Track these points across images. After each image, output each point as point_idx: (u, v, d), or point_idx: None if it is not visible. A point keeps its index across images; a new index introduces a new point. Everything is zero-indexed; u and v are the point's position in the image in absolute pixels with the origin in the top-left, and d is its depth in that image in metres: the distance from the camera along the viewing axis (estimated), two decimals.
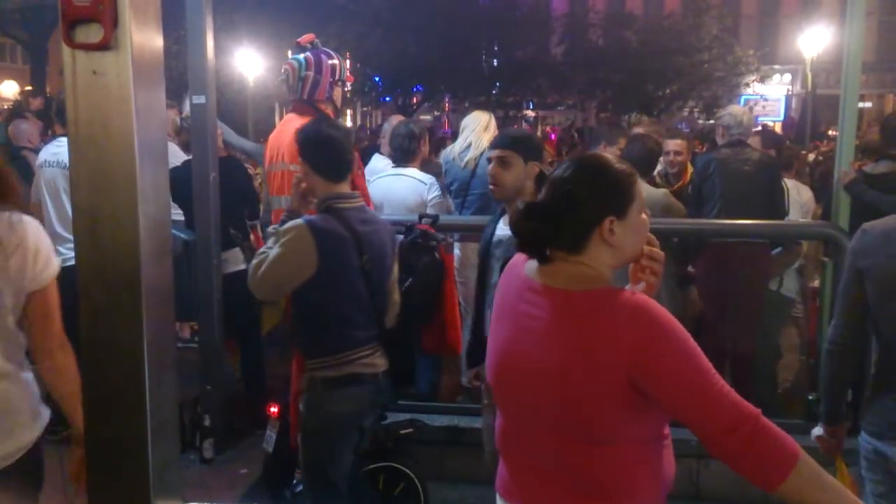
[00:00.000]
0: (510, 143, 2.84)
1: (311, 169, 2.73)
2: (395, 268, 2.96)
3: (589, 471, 1.63)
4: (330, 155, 2.71)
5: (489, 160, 2.92)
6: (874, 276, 2.33)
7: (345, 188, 2.77)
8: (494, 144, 2.91)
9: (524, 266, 1.76)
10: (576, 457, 1.64)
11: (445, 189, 5.11)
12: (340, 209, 2.71)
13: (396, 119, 5.31)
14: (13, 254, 1.93)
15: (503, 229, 2.92)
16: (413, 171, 4.43)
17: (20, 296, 1.98)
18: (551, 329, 1.62)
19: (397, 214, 3.95)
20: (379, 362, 2.80)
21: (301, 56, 3.30)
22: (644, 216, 1.70)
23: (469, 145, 4.80)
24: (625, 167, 1.68)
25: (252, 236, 4.68)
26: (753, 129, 5.23)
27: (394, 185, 4.26)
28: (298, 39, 3.35)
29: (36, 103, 11.28)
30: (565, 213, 1.62)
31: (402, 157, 4.48)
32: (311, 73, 3.28)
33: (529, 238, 1.66)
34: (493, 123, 4.96)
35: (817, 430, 2.60)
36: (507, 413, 1.79)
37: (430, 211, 4.00)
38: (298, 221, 2.65)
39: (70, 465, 2.18)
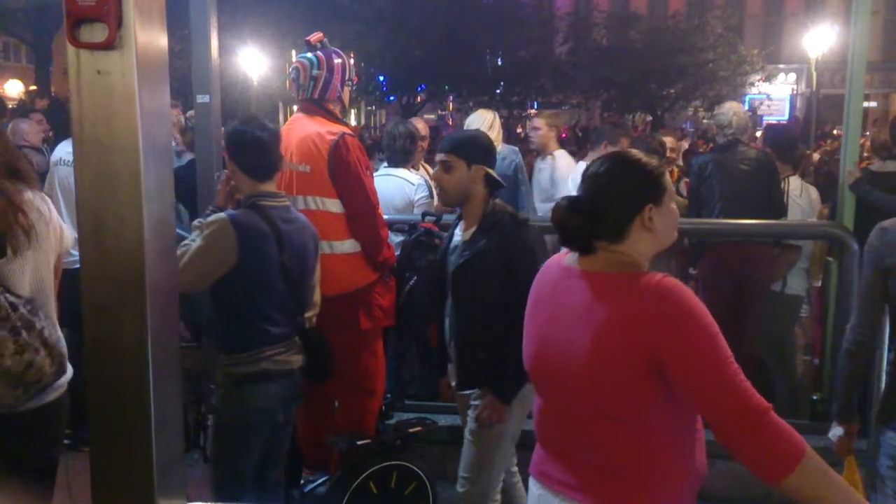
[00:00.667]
0: (451, 146, 2.81)
1: (237, 167, 2.82)
2: (318, 269, 3.01)
3: (620, 455, 1.68)
4: (256, 154, 2.79)
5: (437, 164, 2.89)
6: None
7: (270, 187, 2.84)
8: (439, 148, 2.88)
9: (563, 258, 1.84)
10: (607, 441, 1.68)
11: None
12: (264, 206, 2.78)
13: (415, 121, 5.27)
14: (50, 222, 2.26)
15: (459, 235, 2.91)
16: (402, 172, 4.39)
17: (55, 258, 2.32)
18: (584, 310, 1.69)
19: (388, 214, 3.93)
20: (294, 359, 2.85)
21: (312, 55, 3.26)
22: (674, 206, 1.80)
23: None
24: (654, 160, 1.78)
25: None
26: (759, 128, 5.20)
27: (382, 186, 4.22)
28: (308, 38, 3.30)
29: (42, 104, 11.31)
30: (606, 206, 1.72)
31: (401, 157, 4.45)
32: (322, 73, 3.23)
33: (573, 231, 1.75)
34: (498, 122, 4.96)
35: (836, 431, 2.58)
36: (544, 398, 1.85)
37: (416, 212, 4.00)
38: (221, 215, 2.73)
39: None
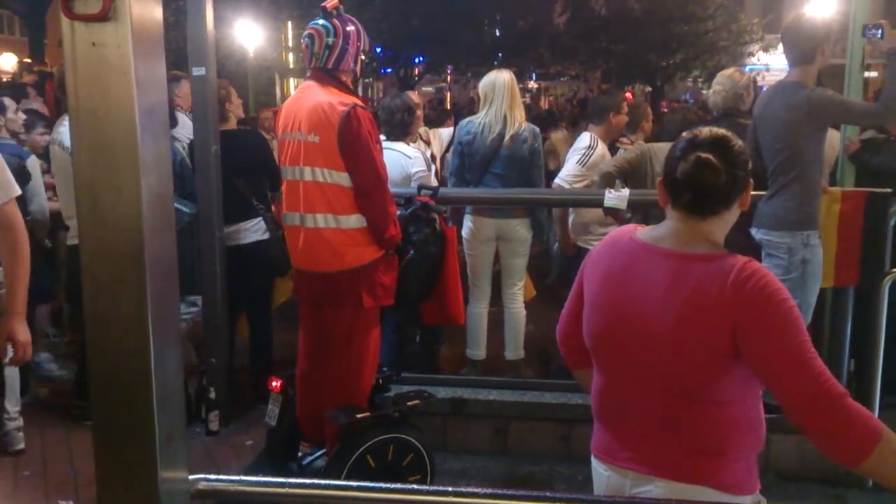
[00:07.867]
0: None
1: None
2: None
3: (698, 428, 1.70)
4: None
5: None
6: None
7: None
8: None
9: (635, 233, 1.83)
10: (685, 415, 1.70)
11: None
12: None
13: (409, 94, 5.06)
14: None
15: None
16: (399, 146, 4.29)
17: None
18: (667, 288, 1.70)
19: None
20: None
21: (328, 22, 3.14)
22: None
23: (504, 121, 4.45)
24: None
25: (273, 207, 4.65)
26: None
27: None
28: (324, 4, 3.20)
29: (29, 78, 11.19)
30: (736, 172, 1.72)
31: (400, 131, 4.33)
32: (339, 42, 3.13)
33: (714, 191, 1.71)
34: (518, 89, 4.58)
35: None
36: (614, 375, 1.84)
37: (414, 185, 3.96)
38: None
39: None
